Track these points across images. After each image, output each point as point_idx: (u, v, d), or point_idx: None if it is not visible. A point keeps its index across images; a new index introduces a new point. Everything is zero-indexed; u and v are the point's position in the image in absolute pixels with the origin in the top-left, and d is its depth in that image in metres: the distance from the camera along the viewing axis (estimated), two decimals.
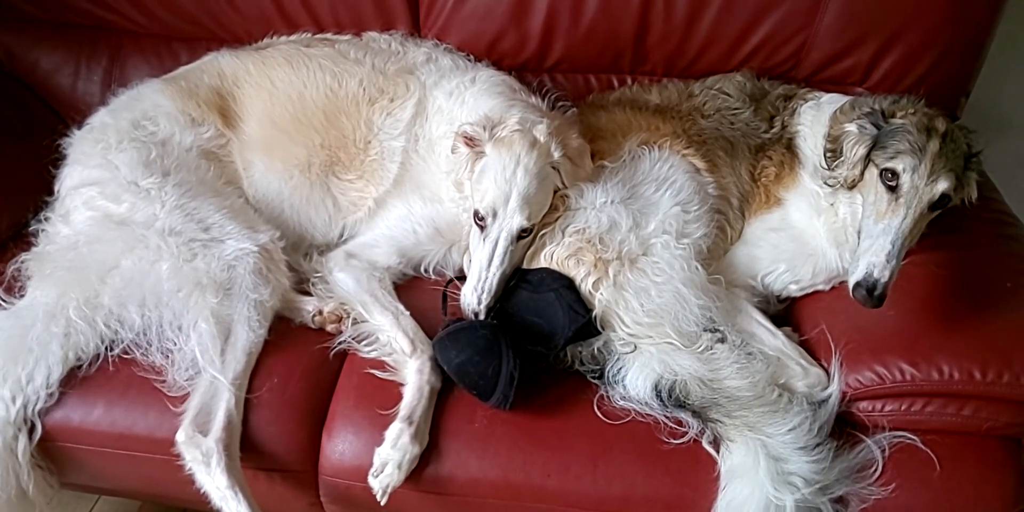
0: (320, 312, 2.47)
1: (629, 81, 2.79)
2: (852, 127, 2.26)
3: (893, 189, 2.14)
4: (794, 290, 2.47)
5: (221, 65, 2.69)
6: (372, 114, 2.59)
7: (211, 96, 2.64)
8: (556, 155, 2.33)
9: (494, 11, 2.67)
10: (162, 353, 2.28)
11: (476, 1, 2.67)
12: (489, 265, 2.33)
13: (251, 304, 2.33)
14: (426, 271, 2.61)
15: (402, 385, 2.28)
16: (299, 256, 2.62)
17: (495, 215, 2.30)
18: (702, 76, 2.68)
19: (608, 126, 2.54)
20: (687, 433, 2.16)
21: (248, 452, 2.20)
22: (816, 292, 2.47)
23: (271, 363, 2.33)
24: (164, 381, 2.25)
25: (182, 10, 2.81)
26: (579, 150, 2.41)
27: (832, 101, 2.46)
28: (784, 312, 2.49)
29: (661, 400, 2.19)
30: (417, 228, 2.58)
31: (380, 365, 2.34)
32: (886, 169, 2.15)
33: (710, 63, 2.68)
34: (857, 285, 2.11)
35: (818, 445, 2.10)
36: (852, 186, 2.27)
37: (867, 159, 2.22)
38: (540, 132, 2.33)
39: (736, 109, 2.54)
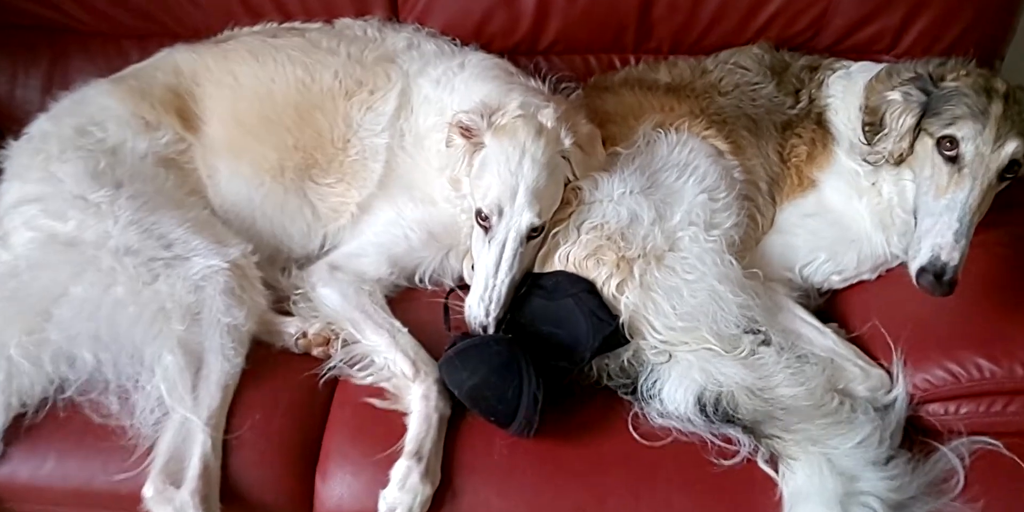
0: (304, 334, 2.16)
1: (633, 61, 2.53)
2: (896, 95, 2.00)
3: (954, 160, 1.90)
4: (837, 281, 2.21)
5: (177, 61, 2.38)
6: (350, 109, 2.30)
7: (167, 96, 2.33)
8: (566, 142, 2.05)
9: None
10: (122, 393, 1.98)
11: None
12: (496, 271, 2.04)
13: (224, 329, 2.04)
14: (422, 281, 2.33)
15: (405, 415, 1.98)
16: (276, 272, 2.31)
17: (501, 213, 2.01)
18: (713, 52, 2.43)
19: (617, 109, 2.27)
20: (739, 452, 1.89)
21: (230, 503, 1.91)
22: (861, 283, 2.21)
23: (251, 396, 2.03)
24: (125, 426, 1.95)
25: (131, 4, 2.51)
26: (590, 136, 2.14)
27: (864, 69, 2.21)
28: (826, 306, 2.23)
29: (706, 415, 1.91)
30: (409, 233, 2.29)
31: (378, 393, 2.05)
32: (944, 137, 1.90)
33: (722, 36, 2.42)
34: (922, 271, 1.85)
35: (891, 458, 1.84)
36: (900, 161, 2.02)
37: (917, 129, 1.97)
38: (546, 117, 2.05)
39: (757, 84, 2.29)
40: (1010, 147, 1.85)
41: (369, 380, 2.07)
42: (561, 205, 2.11)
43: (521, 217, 2.00)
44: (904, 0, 2.28)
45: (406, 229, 2.29)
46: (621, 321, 2.00)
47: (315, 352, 2.15)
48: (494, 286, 2.04)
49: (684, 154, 2.16)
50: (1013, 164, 1.88)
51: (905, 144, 1.98)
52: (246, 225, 2.33)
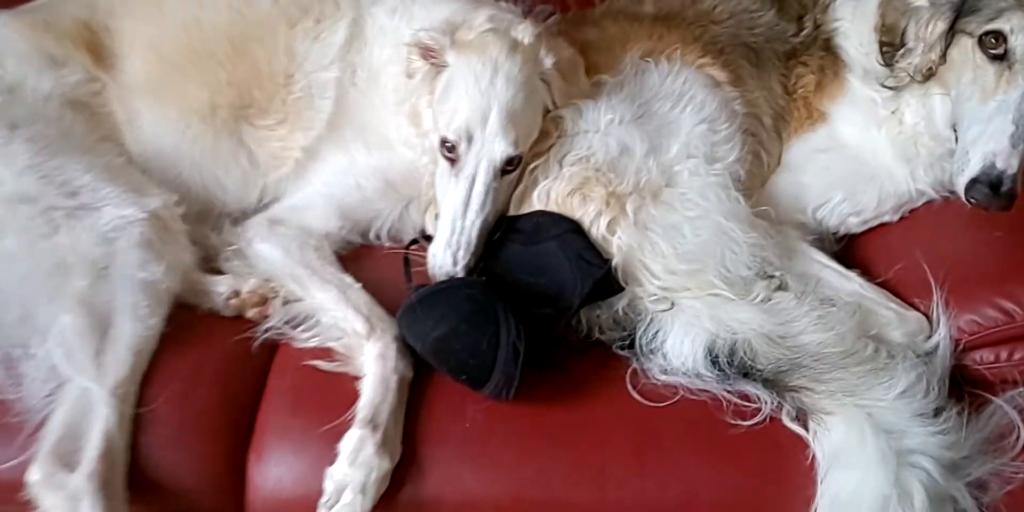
0: (236, 293, 1.83)
1: None
2: (922, 1, 1.76)
3: (1001, 57, 1.66)
4: (855, 224, 1.95)
5: None
6: (293, 40, 1.98)
7: (78, 30, 2.00)
8: (547, 63, 1.77)
9: None
10: (7, 362, 1.67)
11: None
12: (466, 210, 1.73)
13: (138, 286, 1.72)
14: (378, 237, 2.02)
15: (358, 379, 1.65)
16: (206, 229, 1.97)
17: (471, 140, 1.71)
18: None
19: (600, 39, 1.99)
20: (760, 410, 1.58)
21: (141, 490, 1.58)
22: (882, 226, 1.94)
23: (170, 364, 1.70)
24: (11, 400, 1.62)
25: None
26: (571, 62, 1.86)
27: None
28: (843, 253, 1.95)
29: (719, 368, 1.61)
30: (362, 181, 1.98)
31: (325, 354, 1.71)
32: (988, 33, 1.66)
33: None
34: (974, 182, 1.62)
35: (939, 411, 1.54)
36: (928, 76, 1.77)
37: (949, 35, 1.72)
38: (522, 33, 1.77)
39: (755, 11, 2.03)
40: None
41: (315, 342, 1.75)
42: (540, 136, 1.81)
43: (494, 145, 1.70)
44: None
45: (359, 177, 1.98)
46: (614, 264, 1.71)
47: (249, 313, 1.81)
48: (463, 228, 1.73)
49: (678, 84, 1.88)
50: None
51: (935, 54, 1.74)
52: (171, 176, 1.99)
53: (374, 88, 1.99)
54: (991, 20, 1.66)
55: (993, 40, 1.66)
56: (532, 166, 1.80)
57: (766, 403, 1.58)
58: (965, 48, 1.71)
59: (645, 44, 1.94)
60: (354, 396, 1.60)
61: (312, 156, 2.01)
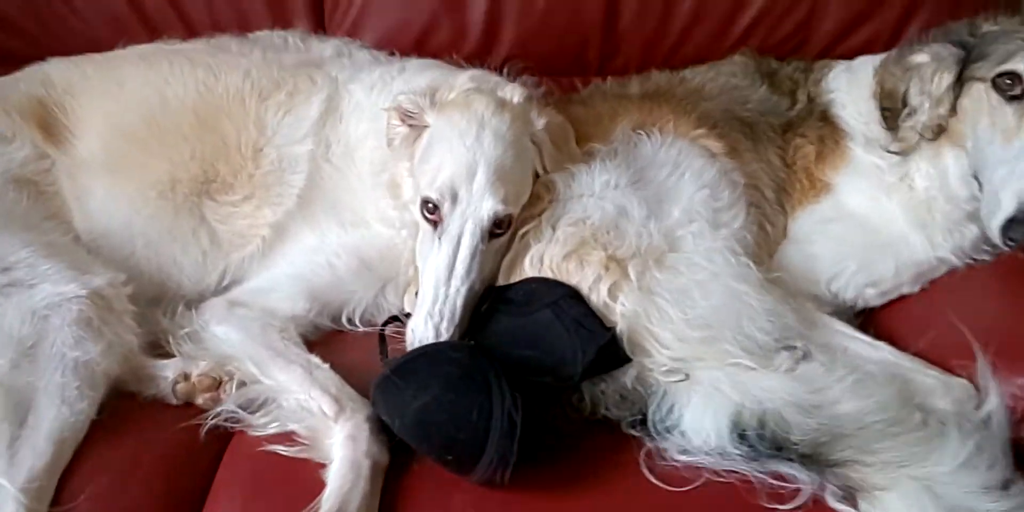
0: (186, 376, 1.61)
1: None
2: (923, 57, 1.71)
3: (1018, 97, 1.58)
4: (872, 296, 1.79)
5: (47, 71, 1.94)
6: (264, 112, 1.86)
7: (29, 106, 1.86)
8: (538, 123, 1.67)
9: None
10: None
11: None
12: (450, 276, 1.56)
13: (68, 366, 1.50)
14: (351, 322, 1.81)
15: (322, 467, 1.40)
16: (157, 313, 1.76)
17: (455, 198, 1.56)
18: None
19: (588, 115, 1.89)
20: (801, 490, 1.34)
21: None
22: (902, 298, 1.79)
23: (100, 455, 1.46)
24: None
25: None
26: (562, 127, 1.75)
27: (866, 62, 1.92)
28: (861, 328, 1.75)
29: (748, 444, 1.38)
30: (334, 260, 1.81)
31: (285, 440, 1.46)
32: (1003, 74, 1.59)
33: (697, 48, 2.13)
34: (1011, 222, 1.51)
35: (1007, 483, 1.31)
36: (939, 132, 1.68)
37: (957, 85, 1.65)
38: (511, 93, 1.68)
39: (745, 87, 1.97)
40: None
41: (273, 428, 1.50)
42: (530, 200, 1.67)
43: (481, 203, 1.56)
44: None
45: (330, 256, 1.81)
46: (618, 331, 1.51)
47: (199, 400, 1.58)
48: (446, 297, 1.55)
49: (672, 153, 1.77)
50: None
51: (944, 108, 1.66)
52: (122, 256, 1.81)
53: (349, 164, 1.86)
54: (1004, 62, 1.59)
55: (1008, 81, 1.58)
56: (523, 231, 1.64)
57: (806, 483, 1.34)
58: (978, 94, 1.63)
59: (636, 117, 1.85)
60: (318, 487, 1.35)
61: (280, 234, 1.84)
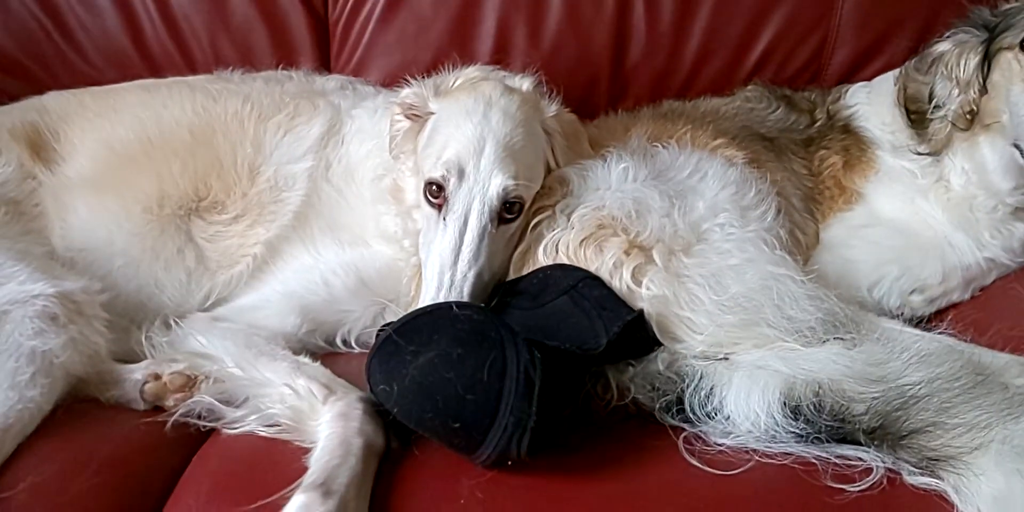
0: (156, 376, 1.42)
1: None
2: (945, 45, 1.66)
3: None
4: (919, 303, 1.65)
5: (44, 101, 1.89)
6: (263, 132, 1.79)
7: (21, 129, 1.79)
8: (549, 111, 1.59)
9: (428, 33, 2.07)
10: None
11: (404, 20, 2.07)
12: (456, 259, 1.42)
13: (24, 353, 1.35)
14: (346, 344, 1.66)
15: (308, 451, 1.19)
16: (133, 328, 1.60)
17: (462, 174, 1.45)
18: None
19: (601, 131, 1.82)
20: (873, 469, 1.12)
21: None
22: (955, 306, 1.63)
23: (48, 447, 1.26)
24: None
25: None
26: (573, 124, 1.67)
27: (885, 77, 1.87)
28: None
29: (805, 419, 1.18)
30: (330, 278, 1.67)
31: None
32: None
33: (709, 82, 2.08)
34: None
35: None
36: (971, 118, 1.59)
37: (985, 65, 1.59)
38: (519, 82, 1.61)
39: (763, 109, 1.90)
40: None
41: (253, 420, 1.31)
42: (543, 192, 1.56)
43: (490, 179, 1.44)
44: (914, 19, 1.99)
45: (326, 273, 1.68)
46: (646, 313, 1.35)
47: (170, 402, 1.39)
48: (452, 283, 1.40)
49: (693, 160, 1.66)
50: None
51: (973, 91, 1.58)
52: (100, 274, 1.67)
53: (349, 183, 1.77)
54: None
55: None
56: (536, 221, 1.51)
57: (877, 461, 1.13)
58: (1007, 63, 1.56)
59: (651, 130, 1.77)
60: (299, 477, 1.14)
61: (272, 252, 1.72)
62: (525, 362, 1.13)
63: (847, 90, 1.90)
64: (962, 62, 1.61)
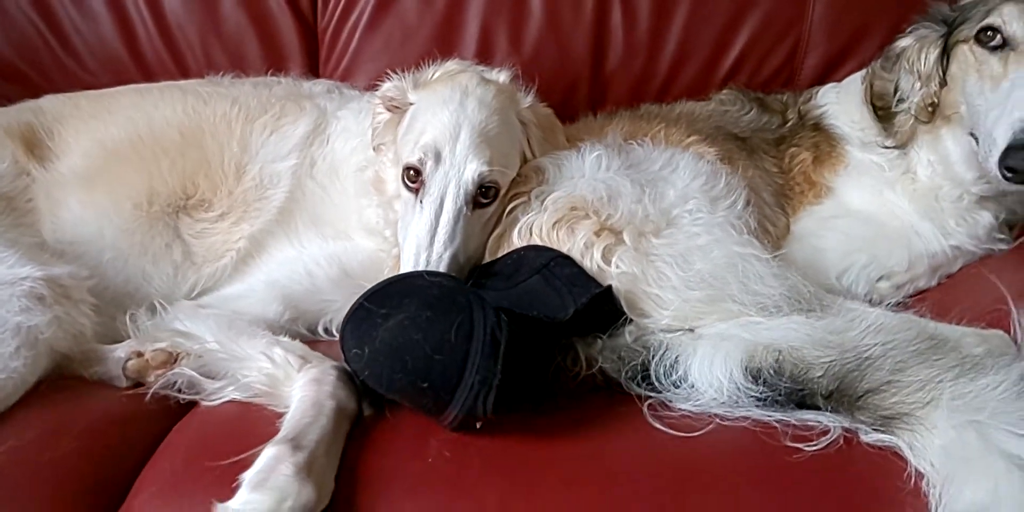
0: (139, 354, 1.46)
1: None
2: (907, 41, 1.72)
3: (1000, 47, 1.56)
4: (886, 289, 1.68)
5: (41, 103, 1.95)
6: (250, 133, 1.83)
7: (17, 128, 1.83)
8: (524, 103, 1.65)
9: (413, 39, 2.14)
10: None
11: (390, 27, 2.14)
12: (432, 240, 1.46)
13: (9, 328, 1.39)
14: (328, 332, 1.70)
15: (282, 416, 1.22)
16: (122, 316, 1.64)
17: (438, 158, 1.50)
18: None
19: (578, 129, 1.88)
20: (830, 430, 1.16)
21: None
22: (918, 294, 1.67)
23: (29, 415, 1.30)
24: None
25: None
26: (549, 118, 1.73)
27: (852, 79, 1.92)
28: None
29: (765, 383, 1.21)
30: (313, 268, 1.71)
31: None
32: (982, 29, 1.58)
33: (686, 86, 2.14)
34: (1010, 150, 1.43)
35: None
36: (933, 111, 1.65)
37: (944, 59, 1.65)
38: (496, 75, 1.67)
39: (736, 110, 1.96)
40: None
41: (231, 391, 1.34)
42: (518, 180, 1.61)
43: (465, 164, 1.49)
44: (885, 19, 2.05)
45: (309, 264, 1.72)
46: (615, 288, 1.39)
47: (151, 378, 1.42)
48: (427, 263, 1.44)
49: (666, 155, 1.72)
50: None
51: (934, 84, 1.64)
52: (89, 266, 1.69)
53: (333, 180, 1.81)
54: (982, 20, 1.59)
55: (989, 34, 1.58)
56: (511, 206, 1.56)
57: (835, 423, 1.16)
58: (963, 55, 1.61)
59: (627, 128, 1.83)
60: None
61: (256, 246, 1.76)
62: (492, 324, 1.17)
63: (818, 91, 1.95)
64: (923, 56, 1.67)
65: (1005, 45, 1.56)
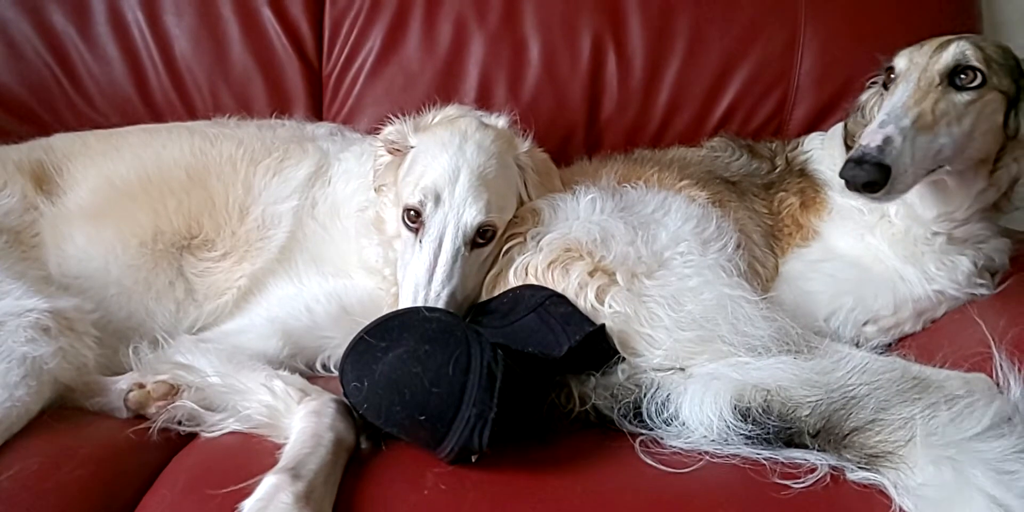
0: (140, 385, 1.48)
1: None
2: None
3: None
4: (873, 333, 1.72)
5: (51, 141, 2.00)
6: (253, 175, 1.89)
7: (28, 164, 1.89)
8: (522, 147, 1.71)
9: (415, 86, 2.22)
10: None
11: (393, 74, 2.22)
12: (430, 279, 1.50)
13: (16, 357, 1.43)
14: (326, 368, 1.72)
15: (282, 447, 1.25)
16: (124, 350, 1.67)
17: (438, 200, 1.55)
18: None
19: (573, 172, 1.94)
20: (817, 468, 1.19)
21: None
22: (903, 339, 1.71)
23: (34, 443, 1.32)
24: None
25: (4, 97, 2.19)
26: (546, 162, 1.79)
27: (836, 128, 1.97)
28: None
29: (755, 422, 1.24)
30: (313, 305, 1.75)
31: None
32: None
33: (679, 134, 2.21)
34: (846, 164, 1.52)
35: None
36: None
37: None
38: (494, 120, 1.74)
39: (727, 156, 2.02)
40: (950, 54, 1.61)
41: (232, 423, 1.37)
42: (516, 221, 1.66)
43: (464, 208, 1.54)
44: (865, 75, 2.11)
45: (310, 301, 1.76)
46: (608, 328, 1.43)
47: (152, 409, 1.45)
48: (426, 302, 1.48)
49: (659, 198, 1.78)
50: (959, 68, 1.60)
51: None
52: (93, 301, 1.73)
53: (334, 220, 1.86)
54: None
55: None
56: (507, 247, 1.61)
57: (821, 461, 1.20)
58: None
59: (621, 171, 1.89)
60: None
61: (257, 284, 1.80)
62: (488, 358, 1.21)
63: (804, 139, 2.02)
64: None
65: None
